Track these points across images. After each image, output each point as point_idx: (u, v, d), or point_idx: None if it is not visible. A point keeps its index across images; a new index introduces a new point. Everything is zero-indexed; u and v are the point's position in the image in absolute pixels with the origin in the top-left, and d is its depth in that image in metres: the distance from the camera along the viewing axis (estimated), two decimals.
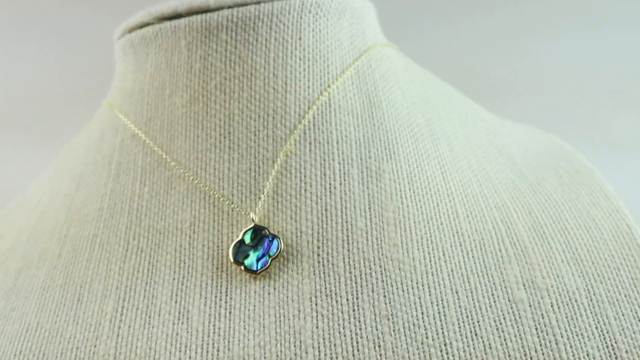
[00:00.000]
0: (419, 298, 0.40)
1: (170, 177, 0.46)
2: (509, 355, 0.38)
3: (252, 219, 0.44)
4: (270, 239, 0.43)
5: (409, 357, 0.38)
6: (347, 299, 0.40)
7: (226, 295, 0.42)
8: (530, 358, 0.37)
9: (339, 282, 0.41)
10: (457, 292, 0.40)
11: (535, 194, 0.47)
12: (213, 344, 0.40)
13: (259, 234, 0.43)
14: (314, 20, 0.48)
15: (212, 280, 0.43)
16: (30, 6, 0.92)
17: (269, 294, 0.42)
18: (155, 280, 0.43)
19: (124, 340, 0.41)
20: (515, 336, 0.38)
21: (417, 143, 0.47)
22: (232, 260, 0.43)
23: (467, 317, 0.39)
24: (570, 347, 0.38)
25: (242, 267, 0.42)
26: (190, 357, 0.39)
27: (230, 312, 0.41)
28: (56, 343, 0.41)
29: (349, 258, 0.42)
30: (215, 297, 0.42)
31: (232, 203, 0.44)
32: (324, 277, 0.42)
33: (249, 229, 0.43)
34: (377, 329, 0.39)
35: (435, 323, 0.39)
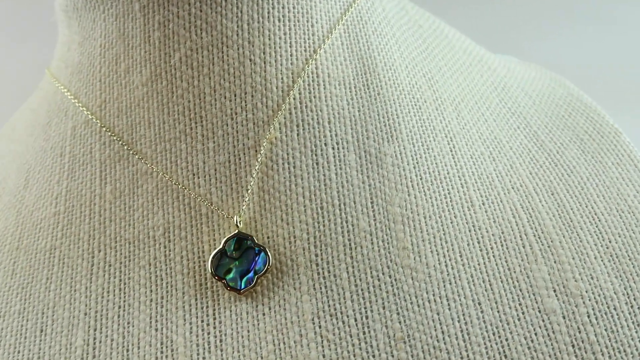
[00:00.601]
0: (438, 314, 0.35)
1: (135, 172, 0.39)
2: None
3: (236, 224, 0.37)
4: (256, 251, 0.37)
5: None
6: (356, 319, 0.35)
7: (214, 319, 0.36)
8: None
9: (344, 299, 0.36)
10: (480, 304, 0.35)
11: (556, 167, 0.41)
12: None
13: (243, 244, 0.37)
14: None
15: (196, 300, 0.37)
16: (30, 6, 0.87)
17: (263, 315, 0.36)
18: (130, 303, 0.37)
19: None
20: (550, 356, 0.34)
21: (421, 113, 0.41)
22: (211, 274, 0.37)
23: (493, 334, 0.34)
24: None
25: (223, 283, 0.37)
26: None
27: (221, 341, 0.35)
28: None
29: (353, 267, 0.36)
30: (202, 321, 0.36)
31: (212, 204, 0.38)
32: (327, 292, 0.36)
33: (231, 237, 0.37)
34: (392, 355, 0.34)
35: (458, 344, 0.34)
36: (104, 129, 0.40)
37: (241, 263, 0.36)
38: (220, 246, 0.37)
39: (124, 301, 0.37)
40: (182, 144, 0.38)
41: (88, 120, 0.40)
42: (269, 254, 0.36)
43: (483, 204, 0.39)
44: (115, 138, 0.39)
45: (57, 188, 0.40)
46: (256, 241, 0.37)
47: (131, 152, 0.39)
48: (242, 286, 0.36)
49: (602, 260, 0.37)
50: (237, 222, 0.37)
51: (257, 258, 0.36)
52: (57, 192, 0.40)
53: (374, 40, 0.42)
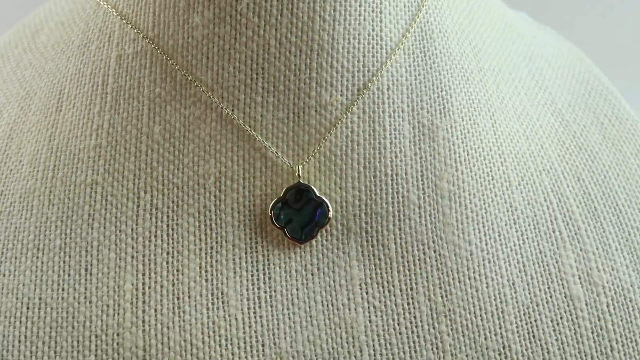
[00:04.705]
0: (477, 291, 0.37)
1: (187, 116, 0.38)
2: None
3: (298, 174, 0.37)
4: (317, 203, 0.37)
5: None
6: (401, 290, 0.37)
7: (264, 274, 0.37)
8: None
9: (391, 269, 0.37)
10: (514, 284, 0.38)
11: (581, 151, 0.44)
12: (256, 336, 0.36)
13: (305, 196, 0.37)
14: None
15: (246, 253, 0.37)
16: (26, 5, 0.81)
17: (312, 275, 0.37)
18: (179, 250, 0.37)
19: (153, 329, 0.36)
20: (572, 339, 0.37)
21: (468, 85, 0.41)
22: (272, 221, 0.37)
23: (524, 314, 0.37)
24: (625, 354, 0.37)
25: (284, 232, 0.37)
26: (233, 354, 0.35)
27: (271, 297, 0.37)
28: (69, 328, 0.36)
29: (400, 239, 0.38)
30: (252, 275, 0.37)
31: (265, 158, 0.38)
32: (374, 260, 0.38)
33: (292, 188, 0.37)
34: (434, 328, 0.37)
35: (494, 322, 0.37)
36: (161, 63, 0.38)
37: (302, 215, 0.37)
38: (281, 195, 0.37)
39: (173, 248, 0.37)
40: (241, 94, 0.38)
41: (137, 52, 0.38)
42: (329, 206, 0.37)
43: (519, 184, 0.41)
44: (172, 75, 0.38)
45: (98, 119, 0.39)
46: (316, 194, 0.37)
47: (187, 93, 0.38)
48: (303, 237, 0.37)
49: (622, 253, 0.40)
50: (298, 172, 0.37)
51: (317, 210, 0.37)
52: (98, 123, 0.39)
53: (430, 3, 0.41)
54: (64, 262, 0.37)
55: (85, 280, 0.37)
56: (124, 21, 0.39)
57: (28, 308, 0.36)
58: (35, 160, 0.39)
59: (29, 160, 0.39)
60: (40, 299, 0.36)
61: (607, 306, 0.38)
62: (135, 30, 0.38)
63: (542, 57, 0.49)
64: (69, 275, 0.37)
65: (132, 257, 0.37)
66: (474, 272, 0.38)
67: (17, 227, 0.38)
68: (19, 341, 0.36)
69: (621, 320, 0.38)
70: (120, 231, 0.37)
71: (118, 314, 0.36)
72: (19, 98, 0.42)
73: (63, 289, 0.37)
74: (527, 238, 0.39)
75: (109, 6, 0.39)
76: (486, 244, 0.39)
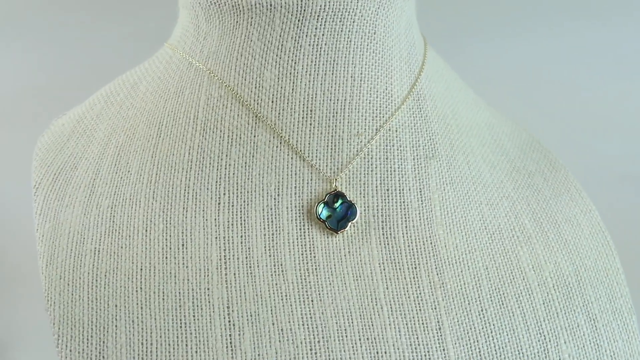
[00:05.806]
0: (461, 271, 0.52)
1: (256, 142, 0.53)
2: (526, 321, 0.51)
3: (335, 187, 0.52)
4: (348, 204, 0.52)
5: (457, 318, 0.50)
6: (408, 268, 0.52)
7: (310, 253, 0.51)
8: (540, 325, 0.51)
9: (400, 253, 0.52)
10: (487, 269, 0.53)
11: (529, 187, 0.60)
12: (307, 295, 0.50)
13: (340, 199, 0.52)
14: (386, 17, 0.55)
15: (297, 239, 0.52)
16: (18, 5, 0.92)
17: (345, 255, 0.52)
18: (249, 234, 0.51)
19: (233, 287, 0.49)
20: (529, 307, 0.52)
21: (449, 135, 0.58)
22: (317, 216, 0.52)
23: (495, 289, 0.52)
24: (566, 319, 0.52)
25: (325, 224, 0.52)
26: (291, 305, 0.49)
27: (316, 269, 0.51)
28: (172, 284, 0.49)
29: (406, 232, 0.53)
30: (302, 254, 0.51)
31: (312, 173, 0.53)
32: (388, 247, 0.52)
33: (330, 193, 0.52)
34: (432, 294, 0.51)
35: (474, 293, 0.52)
36: (239, 103, 0.53)
37: (338, 212, 0.52)
38: (324, 199, 0.52)
39: (244, 233, 0.51)
40: (295, 127, 0.53)
41: (221, 96, 0.54)
42: (356, 207, 0.52)
43: (487, 203, 0.56)
44: (246, 112, 0.53)
45: (190, 142, 0.53)
46: (347, 198, 0.52)
47: (257, 125, 0.53)
48: (338, 228, 0.52)
49: (561, 253, 0.56)
50: (335, 183, 0.52)
51: (350, 210, 0.52)
52: (190, 145, 0.53)
53: (424, 75, 0.58)
54: (166, 239, 0.51)
55: (183, 252, 0.50)
56: (212, 75, 0.54)
57: (141, 269, 0.49)
58: (142, 170, 0.53)
59: (136, 170, 0.53)
60: (150, 264, 0.50)
61: (552, 286, 0.53)
62: (220, 81, 0.54)
63: (499, 126, 0.66)
64: (170, 248, 0.50)
65: (216, 238, 0.51)
66: (458, 259, 0.53)
67: (130, 215, 0.52)
68: (136, 291, 0.48)
69: (562, 295, 0.53)
70: (206, 220, 0.51)
71: (207, 275, 0.49)
72: (124, 129, 0.56)
73: (166, 257, 0.50)
74: (495, 239, 0.55)
75: (200, 64, 0.55)
76: (466, 240, 0.54)
